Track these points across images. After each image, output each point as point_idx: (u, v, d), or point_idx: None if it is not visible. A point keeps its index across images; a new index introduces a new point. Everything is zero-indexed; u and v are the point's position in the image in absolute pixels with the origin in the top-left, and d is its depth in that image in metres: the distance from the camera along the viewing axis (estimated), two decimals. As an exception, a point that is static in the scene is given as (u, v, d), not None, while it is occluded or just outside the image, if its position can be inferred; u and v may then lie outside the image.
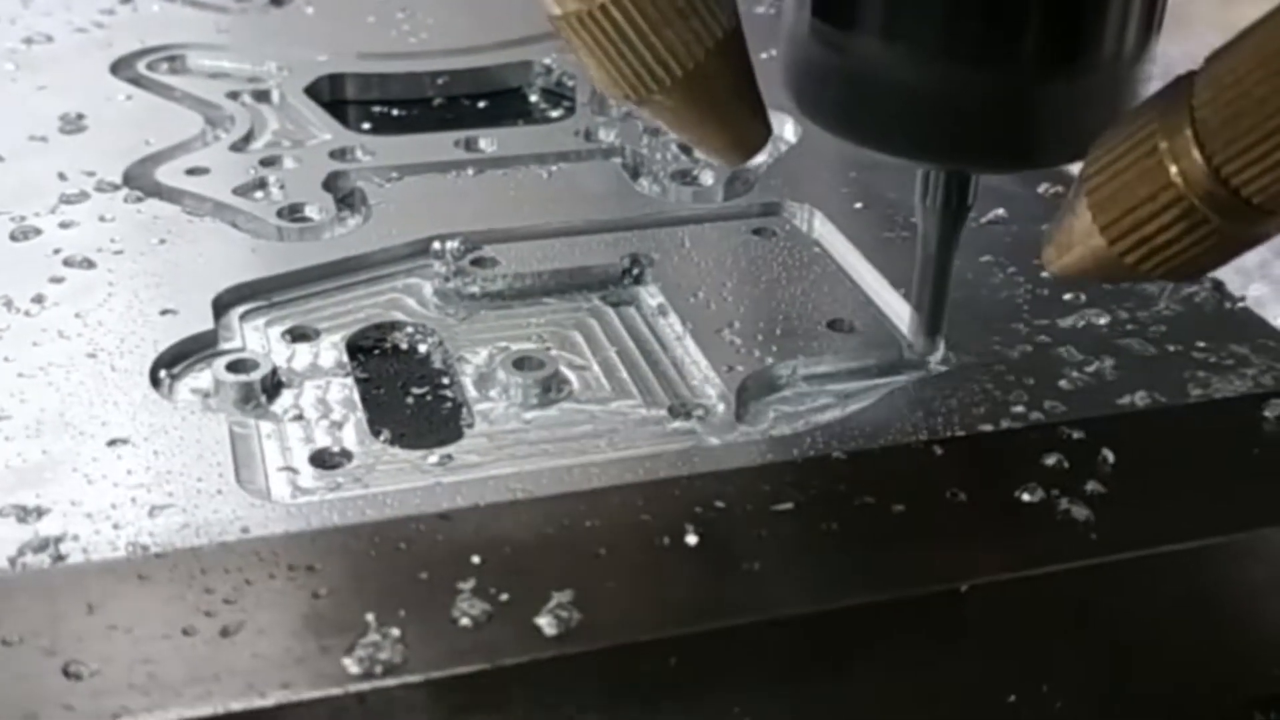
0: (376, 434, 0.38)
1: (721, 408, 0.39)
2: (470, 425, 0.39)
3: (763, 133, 0.35)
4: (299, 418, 0.38)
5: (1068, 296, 0.44)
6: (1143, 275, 0.31)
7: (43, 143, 0.53)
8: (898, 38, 0.34)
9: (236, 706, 0.28)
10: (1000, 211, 0.49)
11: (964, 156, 0.36)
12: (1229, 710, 0.36)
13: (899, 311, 0.43)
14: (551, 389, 0.40)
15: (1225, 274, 0.39)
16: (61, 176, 0.50)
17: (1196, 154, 0.29)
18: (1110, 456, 0.36)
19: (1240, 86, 0.28)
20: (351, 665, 0.29)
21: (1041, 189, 0.51)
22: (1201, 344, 0.42)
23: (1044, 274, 0.45)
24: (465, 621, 0.30)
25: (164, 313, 0.42)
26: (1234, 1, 1.98)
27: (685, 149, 0.54)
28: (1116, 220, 0.30)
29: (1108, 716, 0.35)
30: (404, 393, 0.41)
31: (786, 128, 0.56)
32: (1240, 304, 0.44)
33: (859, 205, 0.50)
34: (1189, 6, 1.96)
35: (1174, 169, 0.29)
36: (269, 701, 0.28)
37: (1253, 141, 0.28)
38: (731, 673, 0.31)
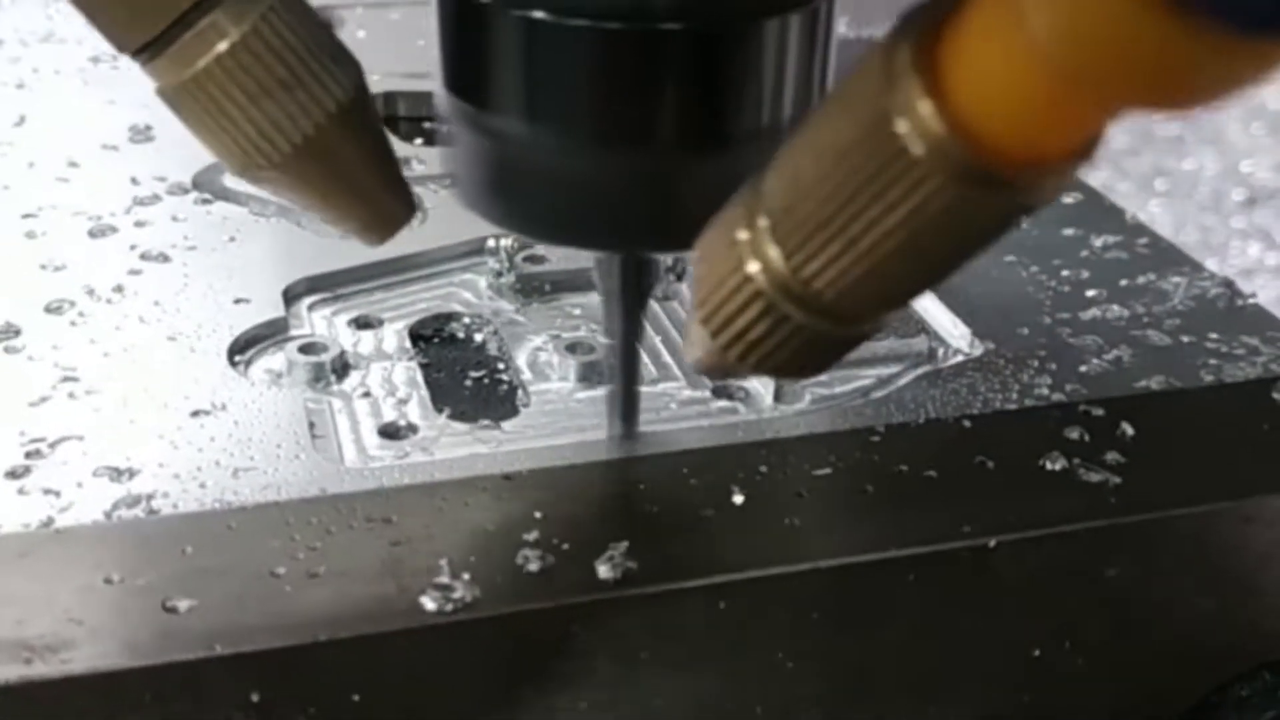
0: (439, 411, 0.41)
1: (761, 389, 0.42)
2: (526, 404, 0.41)
3: (403, 208, 0.34)
4: (366, 395, 0.41)
5: (1090, 293, 0.46)
6: (751, 371, 0.29)
7: (114, 151, 0.56)
8: (539, 124, 0.32)
9: (323, 637, 0.31)
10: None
11: (624, 242, 0.34)
12: (1240, 671, 0.38)
13: (925, 305, 0.46)
14: (601, 372, 0.42)
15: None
16: (134, 181, 0.53)
17: (770, 246, 0.27)
18: (1129, 430, 0.38)
19: (794, 176, 0.26)
20: (428, 603, 0.31)
21: (1068, 199, 0.53)
22: (1214, 335, 0.44)
23: (1064, 272, 0.47)
24: (530, 567, 0.33)
25: (237, 301, 0.45)
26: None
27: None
28: (713, 312, 0.28)
29: (1125, 675, 0.37)
30: (463, 376, 0.43)
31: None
32: (1251, 300, 0.46)
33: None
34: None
35: (752, 263, 0.27)
36: (352, 634, 0.31)
37: (809, 234, 0.26)
38: (774, 619, 0.34)
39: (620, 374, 0.38)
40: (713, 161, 0.32)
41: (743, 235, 0.27)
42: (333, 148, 0.31)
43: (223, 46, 0.30)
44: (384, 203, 0.33)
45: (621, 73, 0.31)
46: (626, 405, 0.38)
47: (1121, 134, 1.80)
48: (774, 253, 0.27)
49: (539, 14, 0.31)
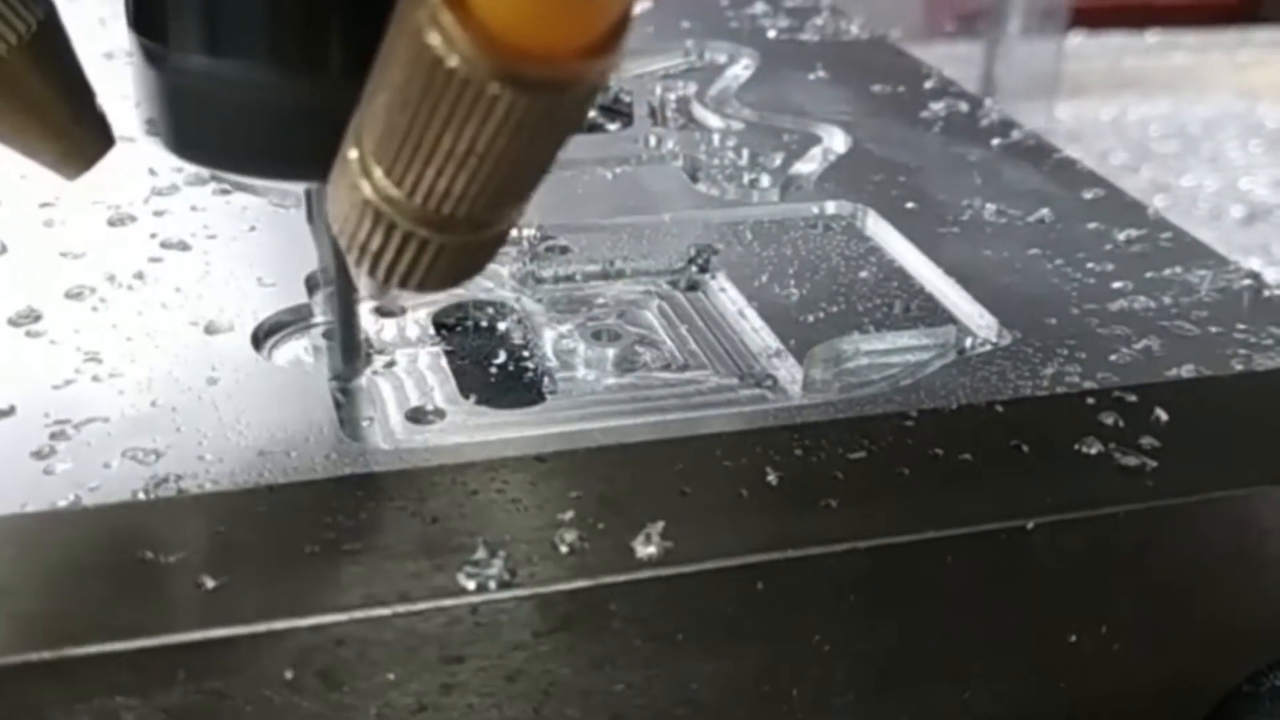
0: (465, 396, 0.40)
1: (790, 377, 0.41)
2: (553, 391, 0.41)
3: (99, 141, 0.33)
4: (392, 381, 0.41)
5: (1116, 285, 0.46)
6: (399, 285, 0.30)
7: (131, 142, 0.55)
8: (227, 57, 0.32)
9: (360, 614, 0.30)
10: (1045, 211, 0.51)
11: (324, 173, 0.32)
12: (1275, 659, 0.38)
13: (952, 298, 0.45)
14: (627, 359, 0.42)
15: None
16: (152, 172, 0.52)
17: (373, 164, 0.28)
18: (1163, 415, 0.38)
19: (374, 98, 0.28)
20: (464, 580, 0.31)
21: (1088, 195, 0.53)
22: (1242, 326, 0.44)
23: (1093, 265, 0.47)
24: (566, 547, 0.32)
25: (259, 287, 0.44)
26: (1249, 66, 2.00)
27: (741, 153, 0.56)
28: (344, 232, 0.29)
29: (1161, 660, 0.37)
30: (487, 363, 0.43)
31: (836, 138, 0.58)
32: (1276, 293, 0.46)
33: (911, 205, 0.52)
34: (1206, 70, 1.99)
35: (362, 181, 0.28)
36: (389, 611, 0.30)
37: (396, 149, 0.27)
38: (811, 600, 0.33)
39: (340, 313, 0.39)
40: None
41: (352, 154, 0.28)
42: (19, 79, 0.31)
43: None
44: (78, 137, 0.33)
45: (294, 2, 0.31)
46: (348, 344, 0.39)
47: (1120, 151, 1.81)
48: (378, 171, 0.28)
49: None
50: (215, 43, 0.32)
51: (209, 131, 0.33)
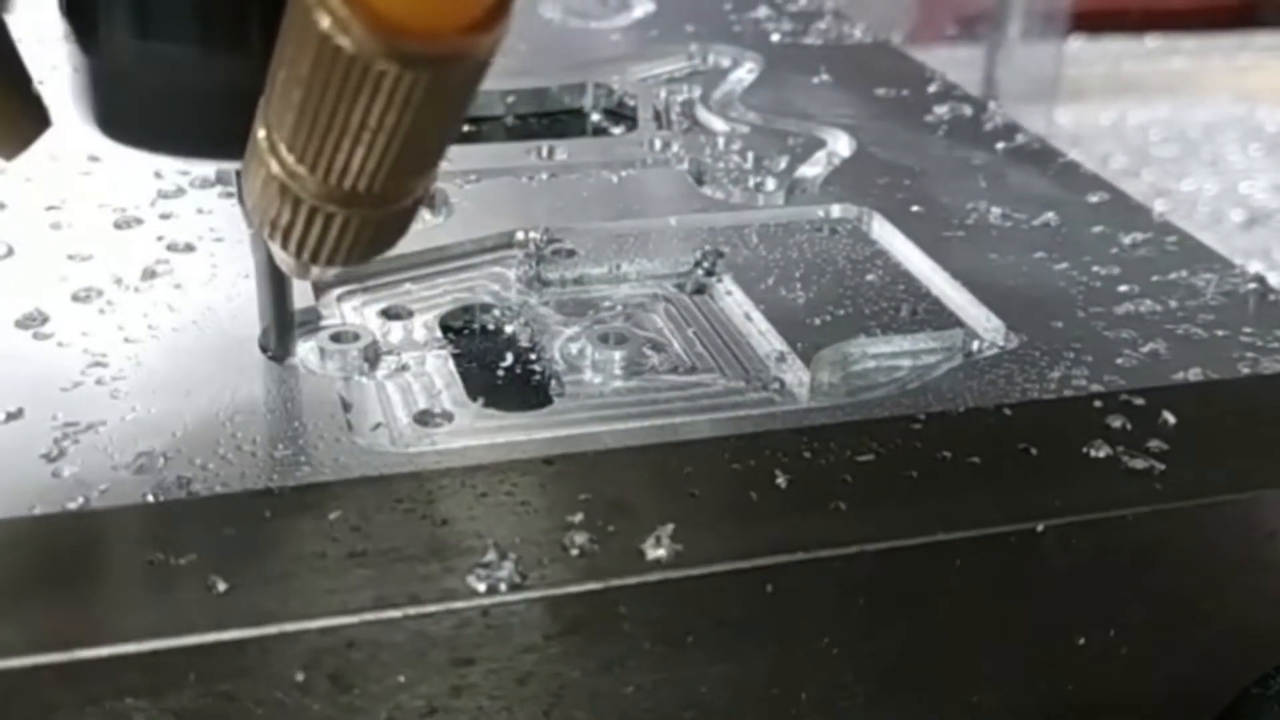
0: (473, 399, 0.40)
1: (797, 380, 0.41)
2: (561, 394, 0.41)
3: (34, 122, 0.34)
4: (400, 384, 0.41)
5: (1122, 288, 0.46)
6: (313, 260, 0.30)
7: (136, 146, 0.56)
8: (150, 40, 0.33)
9: (370, 616, 0.30)
10: (1051, 215, 0.51)
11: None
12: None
13: (958, 301, 0.46)
14: (635, 362, 0.42)
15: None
16: (157, 175, 0.52)
17: (280, 143, 0.29)
18: (1171, 418, 0.38)
19: (273, 79, 0.28)
20: (475, 583, 0.31)
21: (1093, 199, 0.53)
22: (1248, 329, 0.44)
23: (1100, 268, 0.47)
24: (576, 549, 0.32)
25: (267, 291, 0.44)
26: (1249, 69, 2.00)
27: (745, 157, 0.56)
28: (258, 210, 0.30)
29: (1168, 663, 0.37)
30: (494, 366, 0.43)
31: (841, 144, 0.58)
32: (1284, 296, 0.46)
33: (916, 208, 0.52)
34: (1205, 74, 1.99)
35: (270, 160, 0.29)
36: (400, 613, 0.30)
37: (293, 128, 0.28)
38: (820, 603, 0.33)
39: (271, 292, 0.40)
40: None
41: (260, 133, 0.29)
42: None
43: None
44: (16, 117, 0.34)
45: None
46: (281, 323, 0.40)
47: (1120, 155, 1.81)
48: (283, 148, 0.29)
49: None
50: (140, 25, 0.33)
51: (135, 112, 0.34)
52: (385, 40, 0.26)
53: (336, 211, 0.29)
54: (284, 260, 0.32)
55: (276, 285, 0.40)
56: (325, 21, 0.26)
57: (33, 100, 0.34)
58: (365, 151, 0.28)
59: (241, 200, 0.34)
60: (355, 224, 0.30)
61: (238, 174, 0.35)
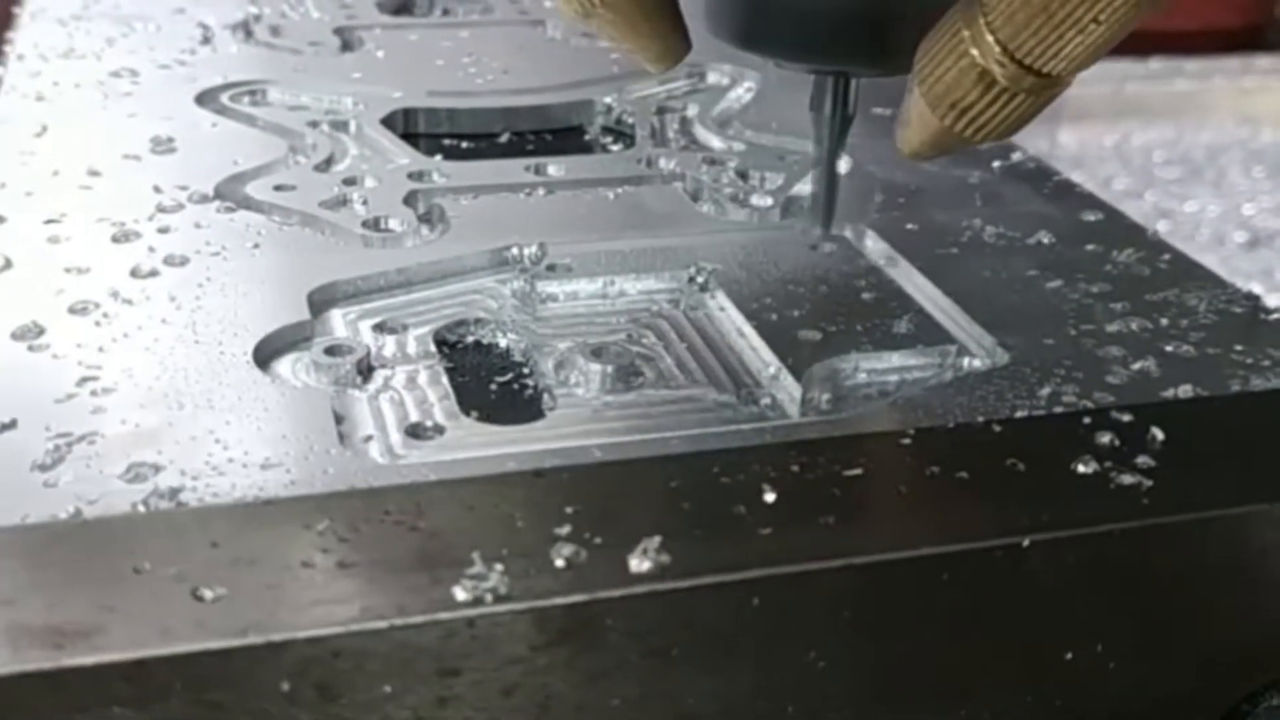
0: (465, 413, 0.40)
1: (788, 395, 0.42)
2: (552, 407, 0.41)
3: (685, 44, 0.42)
4: (393, 397, 0.41)
5: (1115, 306, 0.46)
6: (965, 140, 0.38)
7: (136, 161, 0.56)
8: None
9: (357, 626, 0.30)
10: (1045, 234, 0.52)
11: (844, 60, 0.44)
12: (1271, 680, 0.38)
13: (951, 317, 0.46)
14: (627, 376, 0.42)
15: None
16: (157, 189, 0.53)
17: (988, 35, 0.36)
18: (1159, 435, 0.38)
19: None
20: (460, 593, 0.31)
21: (1088, 218, 0.54)
22: (1239, 348, 0.44)
23: (1094, 287, 0.47)
24: (562, 561, 0.32)
25: (261, 304, 0.44)
26: (1252, 91, 2.00)
27: (742, 175, 0.57)
28: (937, 93, 0.37)
29: (1156, 680, 0.37)
30: (488, 380, 0.43)
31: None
32: (1275, 315, 0.46)
33: (910, 226, 0.52)
34: (1209, 96, 2.00)
35: (974, 49, 0.36)
36: (386, 624, 0.30)
37: (1026, 19, 0.35)
38: (806, 616, 0.33)
39: (823, 182, 0.48)
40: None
41: (965, 33, 0.36)
42: None
43: None
44: (673, 38, 0.42)
45: None
46: (827, 208, 0.49)
47: (1123, 176, 1.81)
48: (990, 39, 0.36)
49: None
50: None
51: (761, 23, 0.43)
52: None
53: (1025, 94, 0.36)
54: (924, 135, 0.39)
55: (831, 176, 0.48)
56: None
57: (682, 26, 0.42)
58: (1081, 40, 0.34)
59: (814, 107, 0.46)
60: (1031, 105, 0.37)
61: (818, 81, 0.46)
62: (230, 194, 0.53)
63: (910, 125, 0.39)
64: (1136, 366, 0.43)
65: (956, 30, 0.37)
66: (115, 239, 0.49)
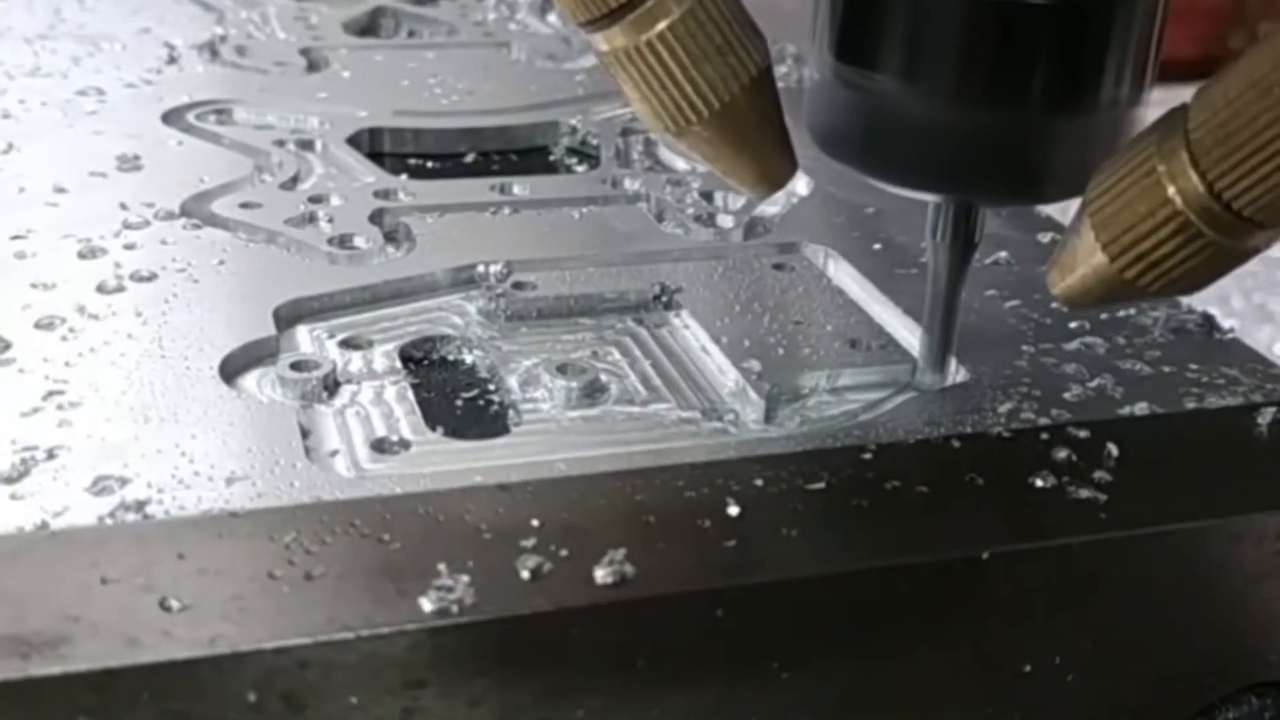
0: (431, 428, 0.41)
1: (752, 412, 0.42)
2: (518, 423, 0.41)
3: (789, 166, 0.38)
4: (359, 412, 0.41)
5: (1072, 325, 0.47)
6: (1141, 291, 0.33)
7: (102, 178, 0.56)
8: (915, 79, 0.37)
9: (323, 637, 0.30)
10: (1003, 254, 0.52)
11: (973, 189, 0.39)
12: (1226, 694, 0.39)
13: (910, 336, 0.46)
14: (593, 392, 0.43)
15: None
16: (123, 206, 0.53)
17: (1192, 173, 0.31)
18: (1115, 450, 0.39)
19: (1231, 108, 0.31)
20: (426, 604, 0.31)
21: (1044, 239, 0.54)
22: (1194, 366, 0.45)
23: (1052, 304, 0.48)
24: (528, 572, 0.33)
25: (227, 320, 0.45)
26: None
27: (706, 196, 0.57)
28: (1117, 238, 0.33)
29: (1113, 693, 0.38)
30: (453, 396, 0.44)
31: (799, 183, 0.59)
32: (1230, 334, 0.47)
33: (872, 246, 0.53)
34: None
35: (1171, 188, 0.32)
36: (352, 634, 0.31)
37: (1244, 157, 0.30)
38: (770, 627, 0.34)
39: (939, 321, 0.42)
40: (1064, 126, 0.37)
41: (1160, 168, 0.32)
42: (747, 109, 0.35)
43: (672, 17, 0.34)
44: (777, 161, 0.37)
45: (990, 40, 0.36)
46: (943, 350, 0.43)
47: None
48: (1195, 178, 0.31)
49: None
50: (912, 70, 0.37)
51: (884, 148, 0.39)
52: None
53: (1219, 243, 0.32)
54: (1089, 281, 0.34)
55: (949, 317, 0.42)
56: None
57: (787, 145, 0.37)
58: None
59: (934, 234, 0.41)
60: (1223, 256, 0.32)
61: (935, 208, 0.41)
62: (196, 211, 0.53)
63: (1075, 271, 0.34)
64: (1093, 384, 0.43)
65: (1149, 163, 0.32)
66: (81, 255, 0.49)
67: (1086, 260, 0.34)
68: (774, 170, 0.37)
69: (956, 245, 0.41)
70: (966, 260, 0.41)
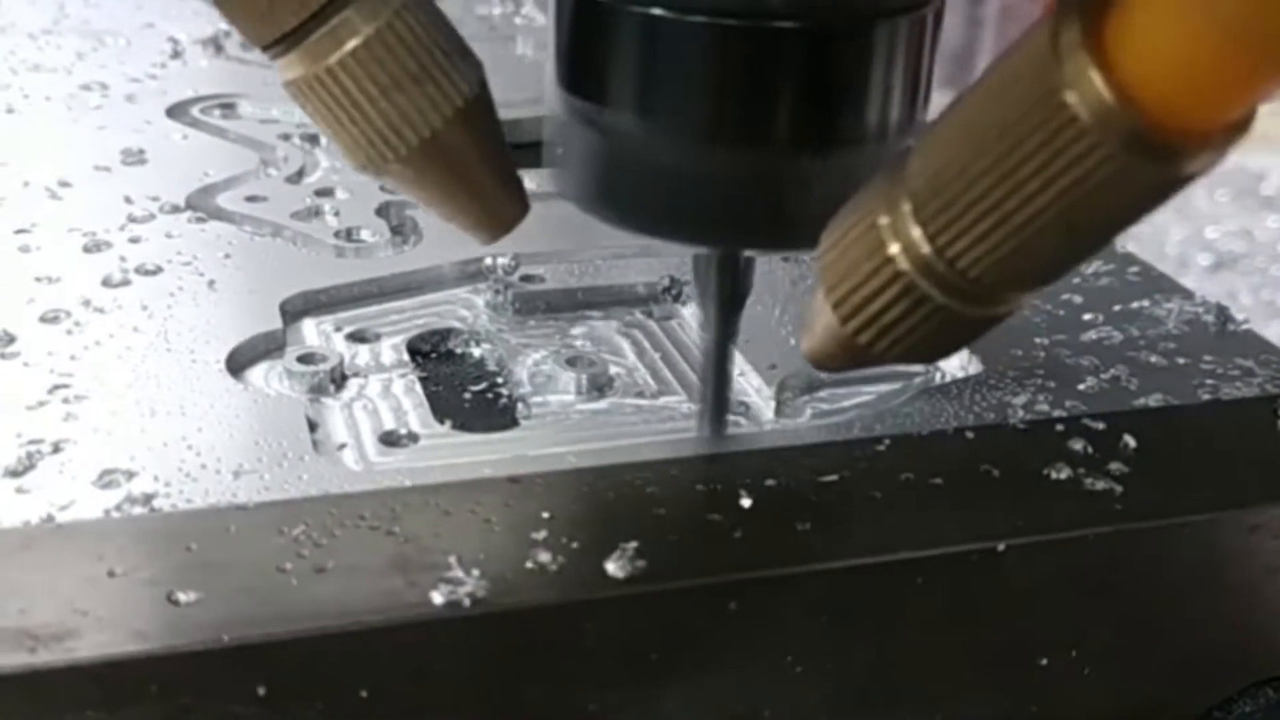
0: (440, 421, 0.40)
1: (763, 403, 0.42)
2: (527, 416, 0.41)
3: (518, 207, 0.34)
4: (367, 405, 0.41)
5: (1085, 317, 0.47)
6: (880, 357, 0.30)
7: (107, 172, 0.56)
8: (648, 114, 0.32)
9: (331, 629, 0.30)
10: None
11: (726, 237, 0.35)
12: (1243, 686, 0.38)
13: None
14: (602, 385, 0.42)
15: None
16: (128, 200, 0.53)
17: (914, 228, 0.27)
18: (1132, 442, 0.38)
19: (946, 153, 0.27)
20: (437, 597, 0.31)
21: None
22: (1209, 358, 0.44)
23: (1064, 295, 0.48)
24: (539, 565, 0.32)
25: (233, 313, 0.44)
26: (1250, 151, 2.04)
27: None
28: (845, 297, 0.29)
29: (1129, 686, 0.37)
30: (461, 389, 0.43)
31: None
32: (1244, 326, 0.47)
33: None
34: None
35: (894, 245, 0.28)
36: (363, 626, 0.30)
37: (960, 211, 0.27)
38: (783, 621, 0.33)
39: (712, 375, 0.38)
40: (823, 163, 0.32)
41: (883, 220, 0.28)
42: (456, 144, 0.32)
43: (356, 41, 0.30)
44: (500, 201, 0.34)
45: (738, 70, 0.31)
46: (716, 407, 0.39)
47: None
48: (917, 234, 0.27)
49: (657, 11, 0.31)
50: (649, 107, 0.32)
51: (627, 194, 0.34)
52: (1134, 127, 0.24)
53: (949, 306, 0.28)
54: (826, 342, 0.31)
55: (721, 370, 0.38)
56: (1073, 99, 0.24)
57: (518, 187, 0.34)
58: (1034, 252, 0.26)
59: (696, 277, 0.36)
60: (958, 322, 0.29)
61: (697, 259, 0.36)
62: (202, 205, 0.53)
63: (815, 331, 0.31)
64: (1107, 375, 0.43)
65: (872, 215, 0.28)
66: (86, 249, 0.49)
67: (822, 319, 0.30)
68: (497, 212, 0.34)
69: (722, 296, 0.37)
70: (736, 311, 0.37)
